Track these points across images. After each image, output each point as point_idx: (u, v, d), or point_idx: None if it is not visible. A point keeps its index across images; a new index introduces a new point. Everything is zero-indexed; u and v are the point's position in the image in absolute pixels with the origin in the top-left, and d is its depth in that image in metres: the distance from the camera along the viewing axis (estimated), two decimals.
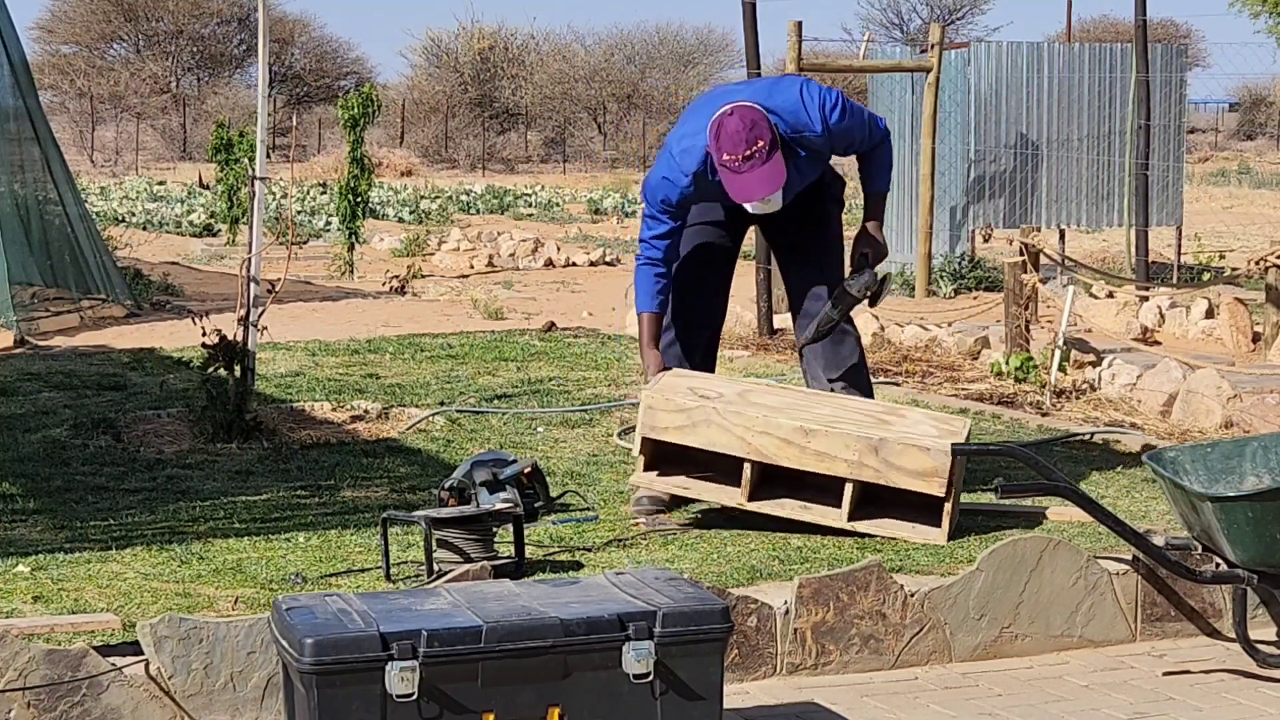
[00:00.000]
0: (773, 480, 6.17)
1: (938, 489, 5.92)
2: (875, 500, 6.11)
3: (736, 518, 6.25)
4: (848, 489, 5.98)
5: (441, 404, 8.46)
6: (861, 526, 6.02)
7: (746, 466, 6.04)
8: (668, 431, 6.13)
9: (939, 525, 5.96)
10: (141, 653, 4.64)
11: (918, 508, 6.06)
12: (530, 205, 29.34)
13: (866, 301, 6.80)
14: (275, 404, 8.39)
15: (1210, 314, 12.21)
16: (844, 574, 5.31)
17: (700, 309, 6.84)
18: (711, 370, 6.87)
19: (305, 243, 20.37)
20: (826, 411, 6.22)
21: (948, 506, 5.96)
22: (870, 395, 6.85)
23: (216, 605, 5.12)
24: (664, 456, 6.23)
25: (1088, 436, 7.90)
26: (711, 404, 6.11)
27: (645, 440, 6.16)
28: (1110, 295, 12.75)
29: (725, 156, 6.33)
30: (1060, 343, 9.34)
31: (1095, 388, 9.17)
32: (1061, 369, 9.28)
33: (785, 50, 14.19)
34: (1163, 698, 5.14)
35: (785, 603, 5.22)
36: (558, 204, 29.79)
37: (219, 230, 21.69)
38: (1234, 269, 13.51)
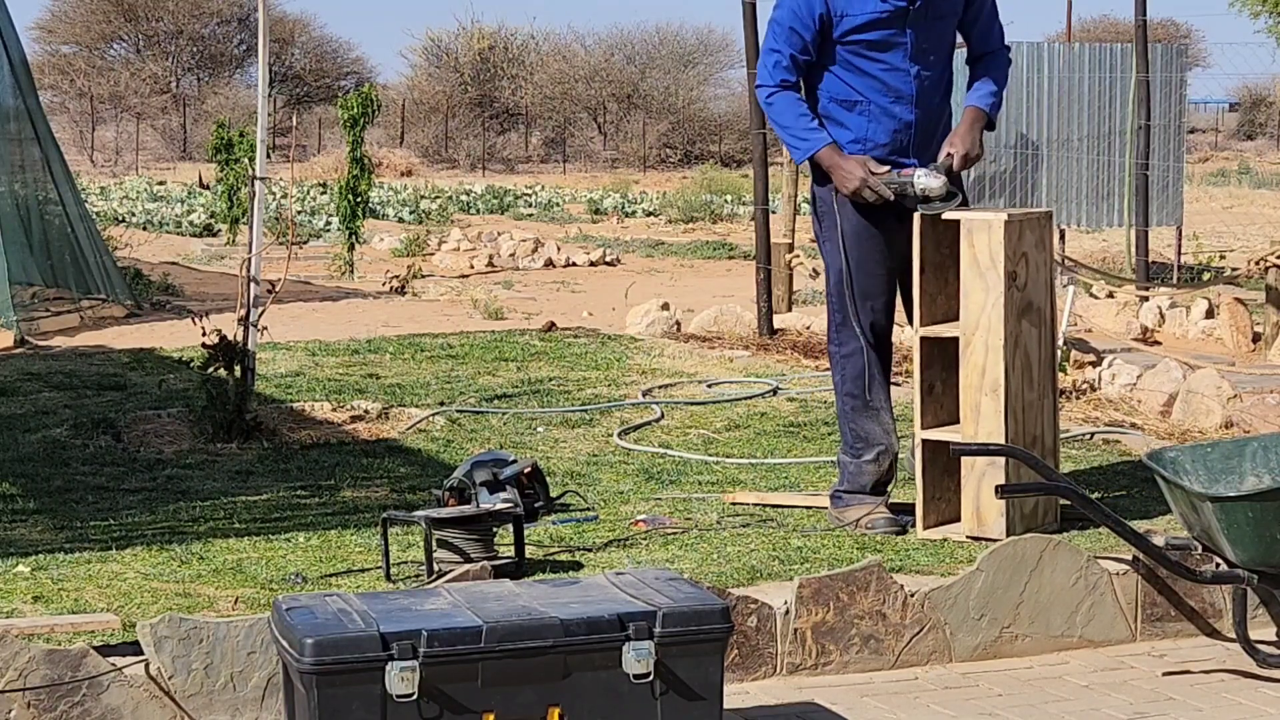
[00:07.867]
0: None
1: None
2: None
3: (738, 514, 6.26)
4: None
5: (441, 404, 8.45)
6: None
7: None
8: None
9: None
10: (141, 653, 4.64)
11: None
12: (530, 205, 29.32)
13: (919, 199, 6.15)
14: (275, 404, 8.38)
15: (1210, 314, 12.21)
16: (844, 574, 5.31)
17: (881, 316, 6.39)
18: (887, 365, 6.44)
19: (305, 243, 20.35)
20: None
21: None
22: None
23: (216, 605, 5.12)
24: None
25: (1088, 437, 7.90)
26: None
27: None
28: (1110, 295, 12.75)
29: None
30: (1060, 343, 9.33)
31: (1095, 388, 9.17)
32: (1062, 369, 9.27)
33: None
34: (1163, 698, 5.14)
35: (785, 603, 5.22)
36: (558, 204, 29.77)
37: (219, 230, 21.68)
38: (1234, 269, 13.52)
